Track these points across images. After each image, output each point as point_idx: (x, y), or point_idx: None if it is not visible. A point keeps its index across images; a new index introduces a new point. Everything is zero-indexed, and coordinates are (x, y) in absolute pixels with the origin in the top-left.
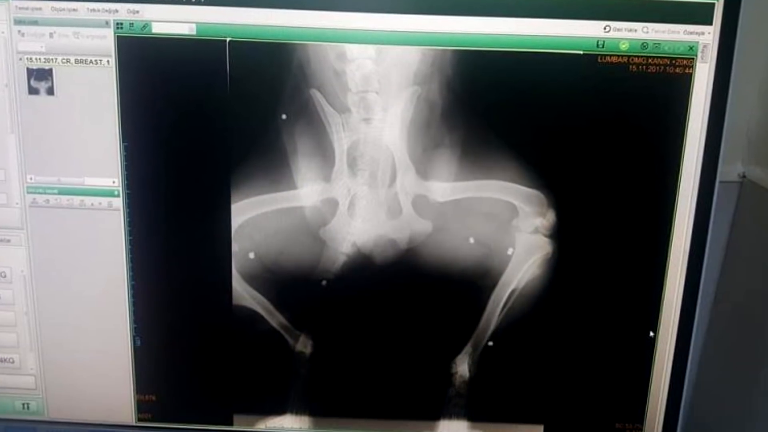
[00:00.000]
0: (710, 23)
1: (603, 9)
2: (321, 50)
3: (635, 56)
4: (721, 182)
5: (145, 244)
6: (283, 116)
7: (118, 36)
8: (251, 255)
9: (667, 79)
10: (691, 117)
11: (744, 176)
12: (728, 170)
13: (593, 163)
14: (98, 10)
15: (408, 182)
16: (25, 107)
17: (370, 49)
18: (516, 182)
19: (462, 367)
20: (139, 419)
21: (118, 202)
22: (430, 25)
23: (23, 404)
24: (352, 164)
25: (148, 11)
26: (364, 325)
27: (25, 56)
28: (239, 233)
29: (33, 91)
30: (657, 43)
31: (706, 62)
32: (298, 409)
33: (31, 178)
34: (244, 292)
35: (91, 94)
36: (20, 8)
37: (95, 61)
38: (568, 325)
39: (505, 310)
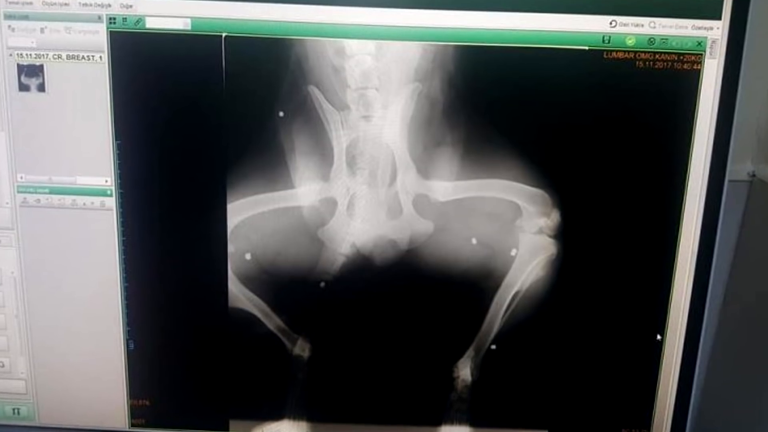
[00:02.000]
0: (719, 18)
1: (609, 3)
2: (319, 46)
3: (642, 52)
4: (730, 181)
5: (138, 245)
6: (281, 113)
7: (111, 31)
8: (248, 256)
9: (675, 75)
10: (699, 114)
11: (753, 175)
12: (737, 169)
13: (599, 161)
14: (90, 5)
15: (409, 181)
16: (16, 104)
17: (370, 45)
18: (519, 181)
19: (464, 371)
20: (133, 425)
21: (111, 202)
22: (432, 19)
23: (13, 409)
24: (351, 163)
25: (141, 6)
26: (363, 328)
27: (16, 52)
28: (235, 234)
29: (23, 87)
30: (664, 39)
31: (714, 58)
32: (295, 415)
33: (21, 177)
34: (240, 294)
35: (83, 91)
36: (10, 3)
37: (87, 57)
38: (573, 328)
39: (509, 312)
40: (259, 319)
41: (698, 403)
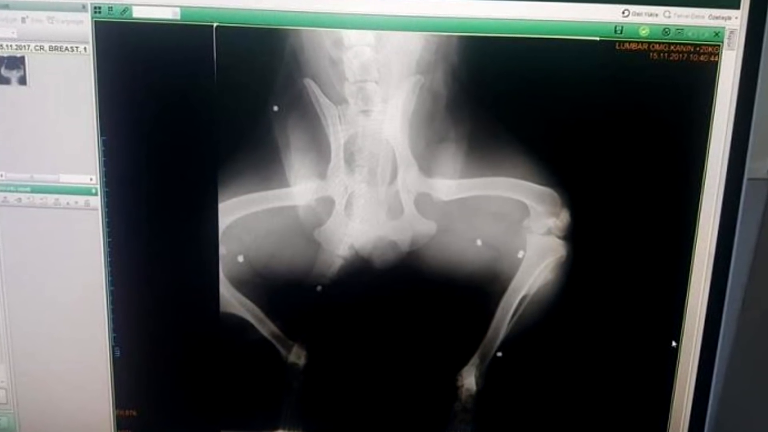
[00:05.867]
0: (737, 7)
1: None
2: (316, 36)
3: (656, 43)
4: (749, 179)
5: (125, 247)
6: (275, 108)
7: (96, 21)
8: (240, 258)
9: (691, 67)
10: (716, 109)
11: None
12: (757, 166)
13: (610, 158)
14: None
15: (410, 179)
16: None
17: (369, 35)
18: (527, 179)
19: (469, 380)
20: None
21: (96, 201)
22: (434, 9)
23: None
24: (350, 160)
25: None
26: (362, 334)
27: None
28: (227, 235)
29: (3, 80)
30: (680, 29)
31: (733, 49)
32: (290, 426)
33: (1, 176)
34: (232, 299)
35: (66, 84)
36: None
37: (71, 48)
38: (584, 335)
39: (516, 317)
40: (252, 325)
41: (715, 412)
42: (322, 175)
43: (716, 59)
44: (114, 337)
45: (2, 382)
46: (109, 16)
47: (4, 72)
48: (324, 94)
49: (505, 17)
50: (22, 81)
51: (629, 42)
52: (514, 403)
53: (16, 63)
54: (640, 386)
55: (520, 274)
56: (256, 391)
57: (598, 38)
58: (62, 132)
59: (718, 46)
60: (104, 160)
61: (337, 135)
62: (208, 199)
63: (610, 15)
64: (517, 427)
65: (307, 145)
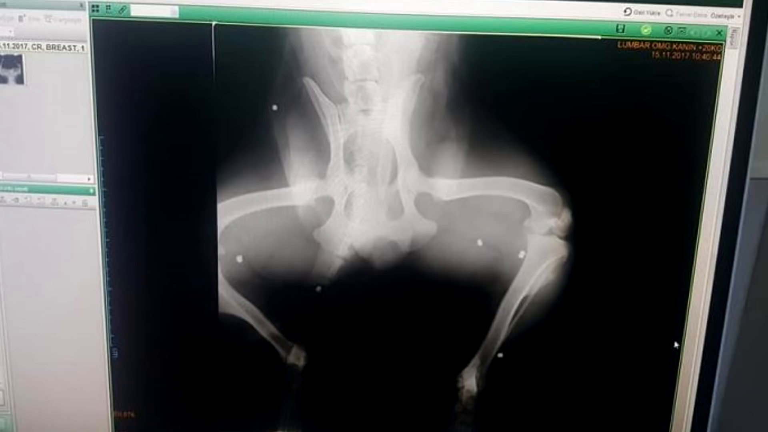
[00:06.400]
0: (740, 5)
1: None
2: (315, 35)
3: (658, 42)
4: (751, 179)
5: (123, 247)
6: (274, 107)
7: (93, 19)
8: (239, 259)
9: (693, 66)
10: (719, 108)
11: None
12: (760, 166)
13: (612, 158)
14: None
15: (410, 179)
16: None
17: (369, 34)
18: (528, 179)
19: (469, 381)
20: None
21: (94, 201)
22: (435, 7)
23: None
24: (349, 159)
25: None
26: (362, 335)
27: None
28: (226, 235)
29: (1, 79)
30: (682, 28)
31: (735, 48)
32: (290, 427)
33: None
34: (231, 300)
35: (64, 83)
36: None
37: (69, 47)
38: (585, 336)
39: (516, 318)
40: (251, 326)
41: (718, 414)
42: (322, 174)
43: (719, 58)
44: (112, 338)
45: None
46: (107, 14)
47: (2, 71)
48: (323, 93)
49: (506, 16)
50: (20, 80)
51: (631, 41)
52: (515, 405)
53: (14, 62)
54: (642, 388)
55: (521, 275)
56: (255, 393)
57: (599, 37)
58: (60, 131)
59: (721, 44)
60: (102, 160)
61: (336, 134)
62: (207, 199)
63: (612, 13)
64: (518, 428)
65: (306, 145)
